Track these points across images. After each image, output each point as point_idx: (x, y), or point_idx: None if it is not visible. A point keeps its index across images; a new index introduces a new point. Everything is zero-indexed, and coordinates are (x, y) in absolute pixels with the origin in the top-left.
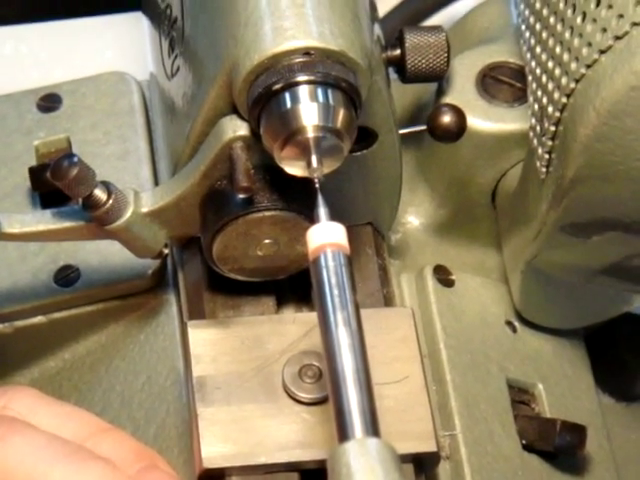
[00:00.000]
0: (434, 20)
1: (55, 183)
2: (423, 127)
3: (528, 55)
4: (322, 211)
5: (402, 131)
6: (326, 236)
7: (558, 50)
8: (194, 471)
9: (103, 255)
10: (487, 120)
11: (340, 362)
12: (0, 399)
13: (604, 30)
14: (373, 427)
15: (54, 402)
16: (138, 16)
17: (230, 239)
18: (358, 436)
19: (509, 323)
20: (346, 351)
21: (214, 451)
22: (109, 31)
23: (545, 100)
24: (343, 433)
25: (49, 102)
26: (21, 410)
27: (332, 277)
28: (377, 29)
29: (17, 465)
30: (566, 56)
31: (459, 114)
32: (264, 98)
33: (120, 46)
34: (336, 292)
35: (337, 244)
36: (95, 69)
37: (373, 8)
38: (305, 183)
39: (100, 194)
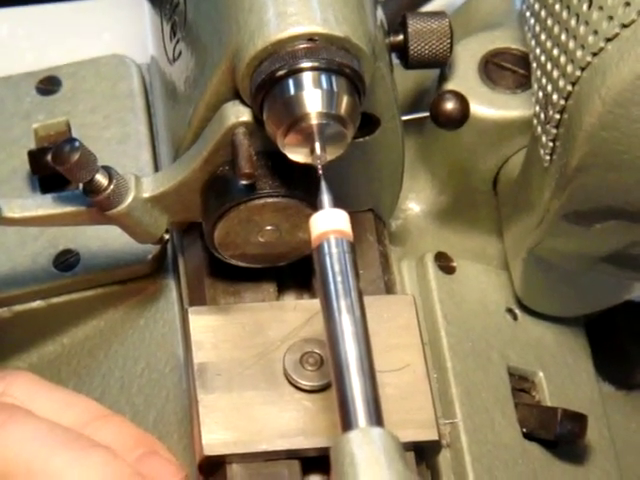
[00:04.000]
0: (434, 5)
1: (56, 168)
2: (426, 114)
3: (533, 42)
4: (325, 198)
5: (404, 117)
6: (329, 223)
7: (563, 38)
8: (194, 457)
9: (103, 240)
10: (489, 107)
11: (343, 350)
12: None
13: (610, 18)
14: (377, 416)
15: (53, 388)
16: None
17: (232, 225)
18: (362, 425)
19: (510, 310)
20: (349, 339)
21: (215, 438)
22: (108, 14)
23: (550, 88)
24: (347, 422)
25: (48, 85)
26: (20, 396)
27: (335, 264)
28: (380, 14)
29: (18, 453)
30: (572, 44)
31: (462, 101)
32: (267, 84)
33: (119, 29)
34: (339, 279)
35: (340, 231)
36: (94, 52)
37: None
38: (308, 170)
39: (101, 179)
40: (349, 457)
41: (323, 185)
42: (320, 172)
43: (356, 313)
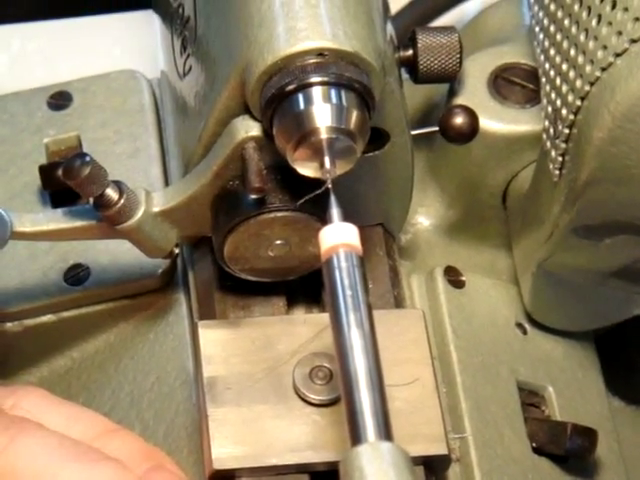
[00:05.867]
0: (444, 20)
1: (67, 182)
2: (435, 128)
3: (542, 57)
4: (335, 211)
5: (414, 132)
6: (339, 237)
7: (572, 53)
8: (204, 472)
9: (113, 254)
10: (499, 121)
11: (353, 364)
12: (9, 398)
13: (619, 33)
14: (386, 430)
15: (62, 402)
16: (147, 14)
17: (241, 239)
18: (371, 439)
19: (519, 325)
20: (359, 353)
21: (224, 452)
22: (118, 29)
23: (559, 102)
24: (356, 436)
25: (59, 100)
26: (31, 409)
27: (345, 278)
28: (390, 29)
29: (28, 464)
30: (581, 59)
31: (472, 115)
32: (277, 99)
33: (130, 44)
34: (349, 293)
35: (350, 245)
36: (104, 67)
37: (386, 8)
38: (317, 184)
39: (112, 194)
40: (358, 471)
41: (332, 199)
42: (329, 186)
43: (365, 327)
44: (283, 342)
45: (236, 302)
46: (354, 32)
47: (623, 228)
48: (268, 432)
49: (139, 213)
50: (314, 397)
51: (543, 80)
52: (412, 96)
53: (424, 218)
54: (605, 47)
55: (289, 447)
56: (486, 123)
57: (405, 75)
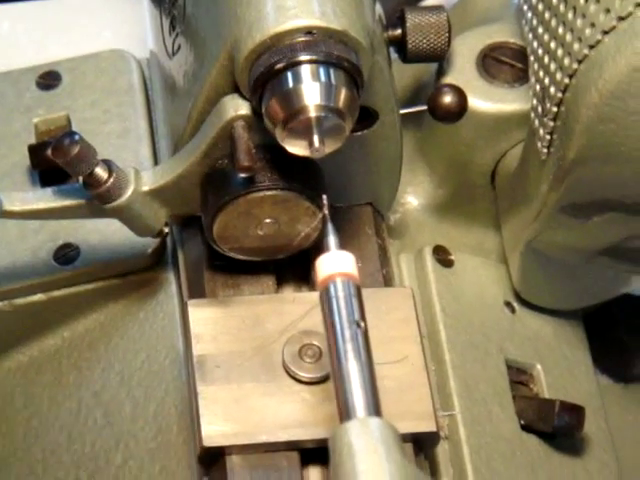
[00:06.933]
0: None
1: (56, 161)
2: (424, 107)
3: (530, 35)
4: (331, 240)
5: (402, 111)
6: (336, 265)
7: (561, 31)
8: (194, 449)
9: (103, 233)
10: (487, 100)
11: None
12: None
13: (607, 11)
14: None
15: None
16: None
17: (231, 218)
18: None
19: (508, 304)
20: (356, 383)
21: (214, 429)
22: (107, 9)
23: (547, 81)
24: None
25: (48, 80)
26: None
27: (342, 308)
28: (378, 8)
29: None
30: (569, 37)
31: (460, 94)
32: (266, 77)
33: (119, 24)
34: (346, 323)
35: (347, 274)
36: (94, 47)
37: None
38: (307, 163)
39: (101, 172)
40: (347, 447)
41: (329, 226)
42: (326, 213)
43: (362, 357)
44: (272, 321)
45: (225, 281)
46: (342, 10)
47: (611, 206)
48: (258, 410)
49: (128, 192)
50: (303, 375)
51: (531, 58)
52: (401, 76)
53: (413, 197)
54: (593, 25)
55: (279, 424)
56: (475, 102)
57: (394, 54)
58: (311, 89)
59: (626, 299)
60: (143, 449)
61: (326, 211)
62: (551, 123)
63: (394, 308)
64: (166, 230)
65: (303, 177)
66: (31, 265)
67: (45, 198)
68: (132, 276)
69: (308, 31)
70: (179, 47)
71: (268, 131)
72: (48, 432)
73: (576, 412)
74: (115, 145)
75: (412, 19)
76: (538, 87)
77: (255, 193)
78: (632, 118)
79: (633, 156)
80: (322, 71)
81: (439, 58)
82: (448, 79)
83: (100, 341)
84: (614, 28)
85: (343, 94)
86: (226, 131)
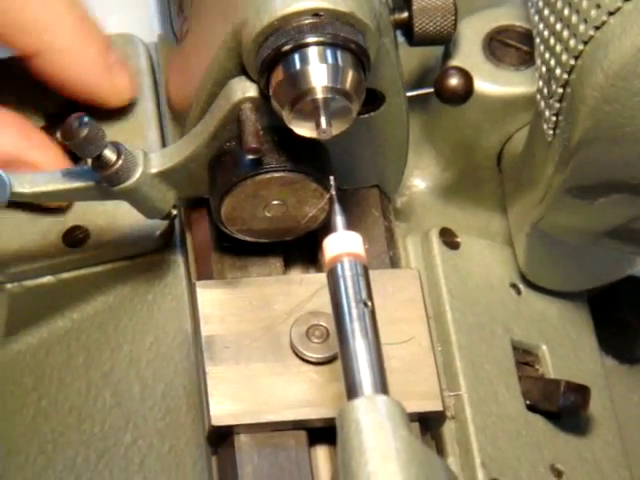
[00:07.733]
0: None
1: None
2: (430, 90)
3: (536, 17)
4: (339, 220)
5: (409, 94)
6: (343, 245)
7: (566, 12)
8: (203, 429)
9: (112, 216)
10: (494, 83)
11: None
12: None
13: None
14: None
15: None
16: None
17: (238, 200)
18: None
19: (514, 285)
20: (363, 362)
21: (223, 409)
22: None
23: (553, 62)
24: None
25: None
26: None
27: (349, 287)
28: None
29: None
30: (574, 18)
31: (466, 77)
32: (273, 59)
33: (127, 8)
34: (353, 302)
35: (354, 253)
36: None
37: None
38: (314, 145)
39: (110, 154)
40: (354, 424)
41: (336, 207)
42: (333, 193)
43: (370, 336)
44: (280, 302)
45: (233, 263)
46: None
47: (616, 187)
48: (265, 389)
49: (137, 174)
50: (311, 355)
51: (537, 40)
52: (407, 59)
53: (419, 180)
54: (599, 6)
55: (286, 404)
56: (481, 85)
57: (400, 38)
58: (318, 71)
59: (631, 281)
60: (152, 429)
61: (333, 192)
62: (557, 105)
63: (401, 289)
64: (174, 212)
65: (310, 159)
66: (40, 247)
67: (54, 180)
68: (141, 258)
69: (315, 13)
70: (187, 31)
71: (275, 113)
72: (58, 413)
73: (582, 392)
74: (123, 128)
75: (418, 2)
76: (544, 69)
77: (263, 175)
78: (637, 98)
79: (638, 136)
80: (329, 53)
81: (445, 41)
82: (454, 62)
83: (109, 323)
84: (619, 9)
85: (350, 76)
86: (234, 113)
